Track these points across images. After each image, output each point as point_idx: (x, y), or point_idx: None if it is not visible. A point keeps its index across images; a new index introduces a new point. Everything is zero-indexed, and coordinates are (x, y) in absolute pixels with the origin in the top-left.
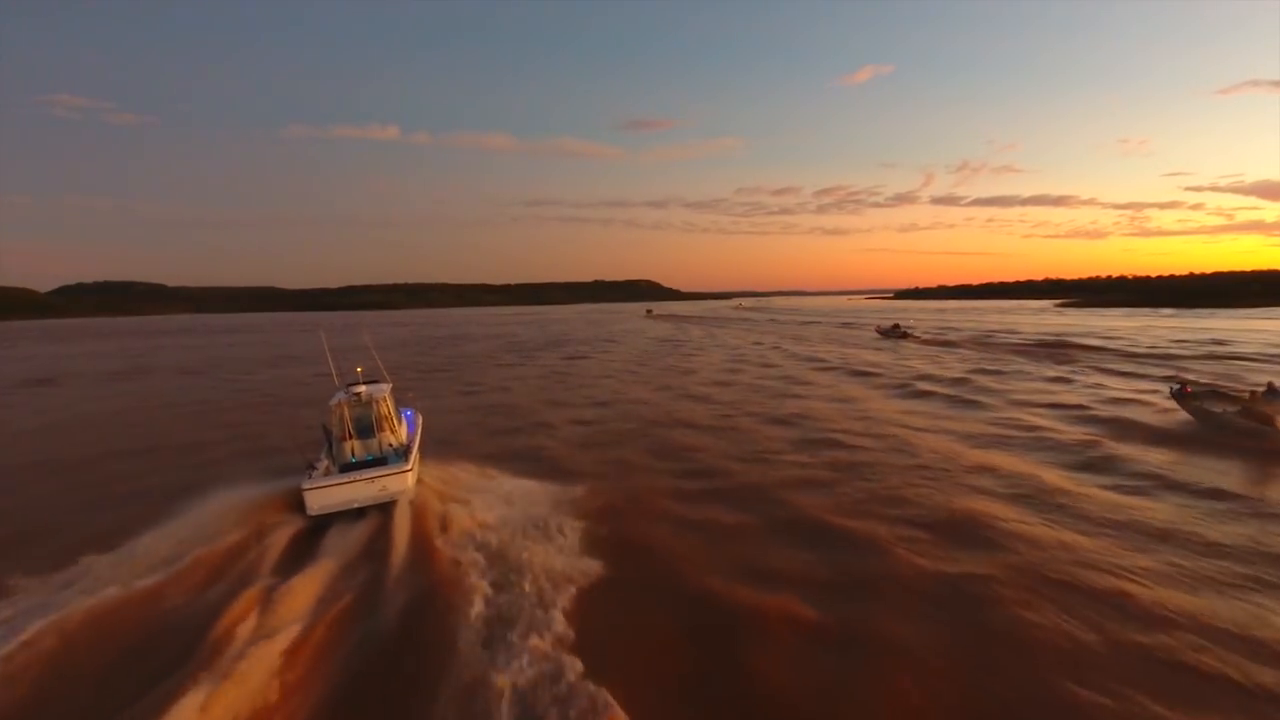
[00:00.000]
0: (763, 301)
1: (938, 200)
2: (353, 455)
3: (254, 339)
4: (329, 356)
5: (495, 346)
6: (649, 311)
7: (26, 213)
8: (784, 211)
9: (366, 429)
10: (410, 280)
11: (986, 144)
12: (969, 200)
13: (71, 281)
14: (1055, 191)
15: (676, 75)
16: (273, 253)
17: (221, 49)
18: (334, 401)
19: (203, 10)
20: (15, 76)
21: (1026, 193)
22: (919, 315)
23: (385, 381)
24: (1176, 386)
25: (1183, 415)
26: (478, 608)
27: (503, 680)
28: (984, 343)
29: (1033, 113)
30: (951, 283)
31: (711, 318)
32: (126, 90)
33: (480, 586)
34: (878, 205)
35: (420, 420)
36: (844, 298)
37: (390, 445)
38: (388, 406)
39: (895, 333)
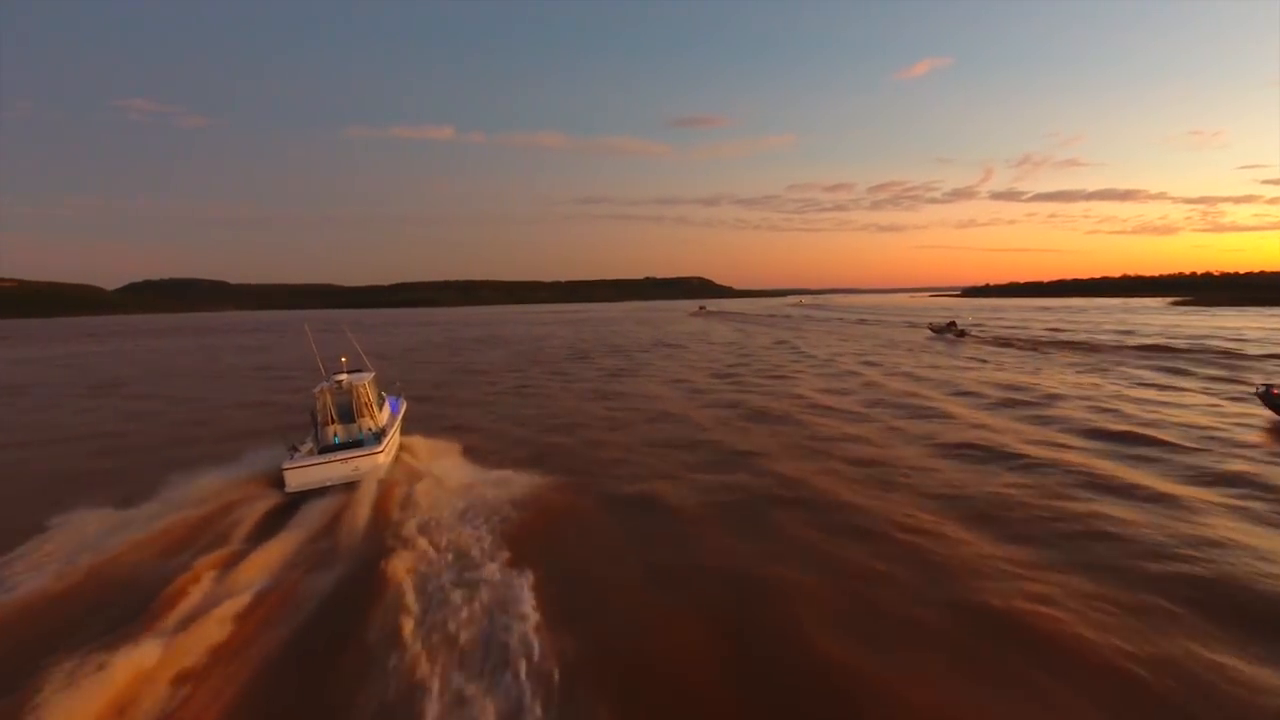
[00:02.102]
0: (820, 299)
1: (997, 196)
2: (335, 438)
3: (267, 340)
4: (316, 352)
5: (520, 354)
6: (701, 308)
7: (102, 215)
8: (837, 208)
9: (347, 414)
10: (461, 278)
11: (1049, 137)
12: (1030, 195)
13: (140, 279)
14: (1122, 186)
15: (728, 71)
16: (332, 250)
17: (286, 53)
18: (317, 389)
19: (267, 15)
20: (94, 83)
21: (1091, 187)
22: (1019, 315)
23: (368, 371)
24: (1263, 388)
25: None
26: (417, 578)
27: (434, 642)
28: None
29: (1099, 104)
30: (1012, 280)
31: (782, 318)
32: (196, 94)
33: (426, 558)
34: (934, 201)
35: (404, 406)
36: (906, 295)
37: (370, 429)
38: (368, 393)
39: (951, 330)
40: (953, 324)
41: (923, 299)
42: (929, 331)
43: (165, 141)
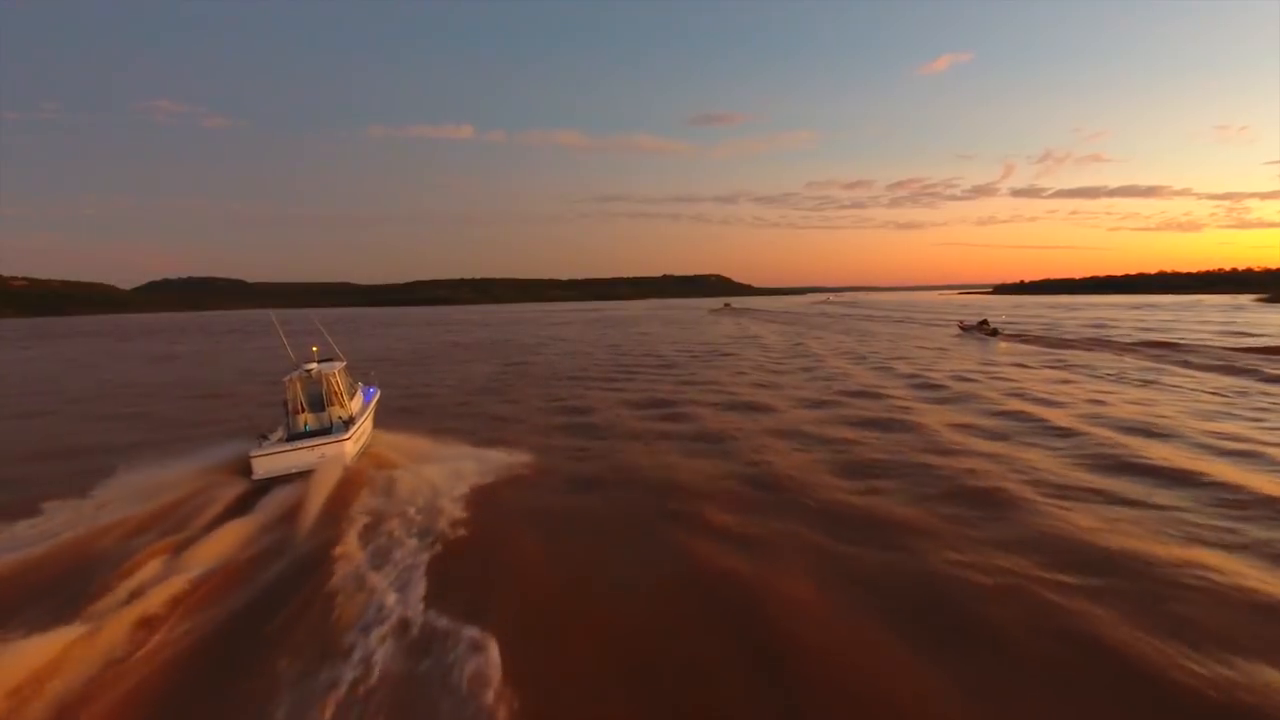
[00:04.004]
0: (845, 296)
1: (1018, 192)
2: (305, 426)
3: (225, 344)
4: (285, 342)
5: (515, 370)
6: (726, 305)
7: (128, 214)
8: (855, 205)
9: (317, 402)
10: (478, 276)
11: (1072, 132)
12: (1051, 192)
13: (158, 278)
14: (1146, 182)
15: (746, 68)
16: (350, 249)
17: (308, 53)
18: (287, 378)
19: (290, 16)
20: (121, 84)
21: (1114, 183)
22: (1115, 316)
23: (340, 360)
24: None
25: None
26: (364, 564)
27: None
28: None
29: (1122, 99)
30: (1031, 277)
31: (833, 318)
32: (220, 96)
33: (377, 544)
34: (954, 198)
35: (377, 396)
36: (935, 293)
37: (340, 418)
38: (338, 382)
39: (983, 329)
40: (984, 322)
41: (952, 296)
42: (958, 330)
43: (188, 142)
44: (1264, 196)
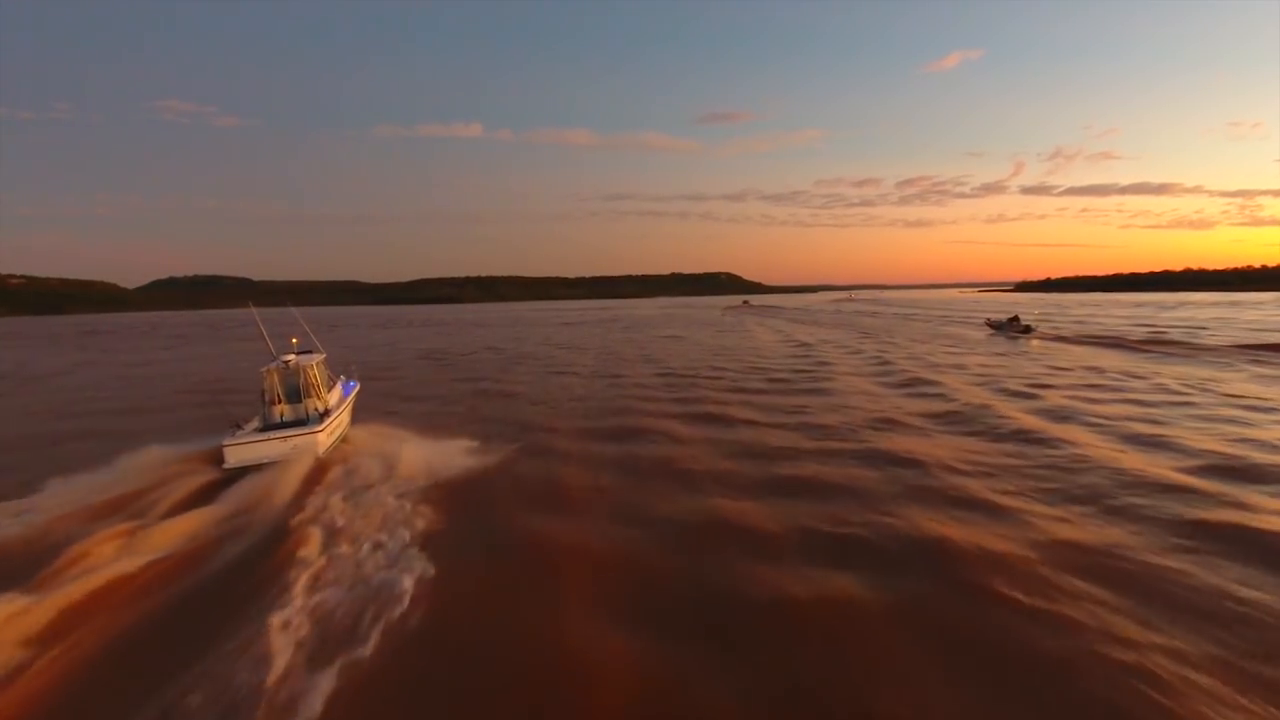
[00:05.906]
0: (862, 294)
1: (1028, 190)
2: (281, 417)
3: (177, 349)
4: (264, 332)
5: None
6: (745, 303)
7: (136, 213)
8: (864, 203)
9: (294, 394)
10: (485, 274)
11: (1083, 129)
12: (1062, 189)
13: (164, 277)
14: (1157, 179)
15: (755, 67)
16: (358, 248)
17: (318, 53)
18: (265, 369)
19: (299, 15)
20: (132, 84)
21: (1125, 180)
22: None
23: (319, 353)
24: None
25: None
26: (320, 552)
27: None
28: None
29: (1134, 96)
30: (1042, 275)
31: (924, 318)
32: (231, 95)
33: (337, 536)
34: (963, 196)
35: (357, 389)
36: (956, 290)
37: (316, 409)
38: (315, 375)
39: (1015, 326)
40: (1015, 319)
41: (972, 294)
42: (988, 329)
43: (199, 141)
44: (1277, 194)
